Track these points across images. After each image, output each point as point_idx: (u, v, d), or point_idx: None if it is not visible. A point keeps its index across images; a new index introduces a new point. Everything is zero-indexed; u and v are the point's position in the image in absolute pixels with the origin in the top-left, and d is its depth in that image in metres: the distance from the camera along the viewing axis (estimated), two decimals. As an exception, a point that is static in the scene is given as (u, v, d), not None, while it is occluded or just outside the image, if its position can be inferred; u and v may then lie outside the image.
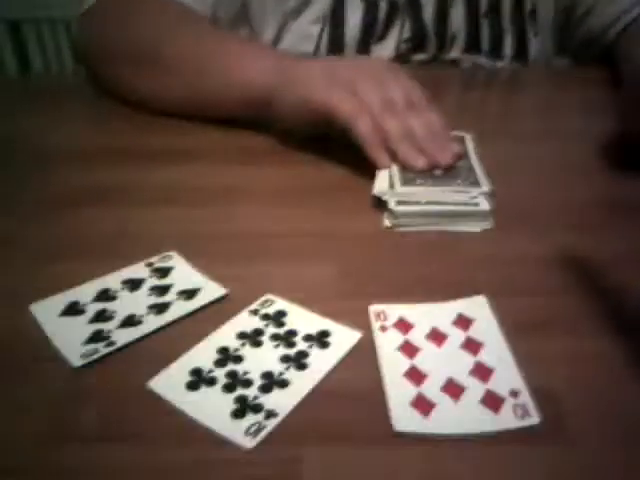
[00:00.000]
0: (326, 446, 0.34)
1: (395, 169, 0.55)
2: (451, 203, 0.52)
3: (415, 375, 0.37)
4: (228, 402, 0.36)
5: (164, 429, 0.35)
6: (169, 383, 0.37)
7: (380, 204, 0.53)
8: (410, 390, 0.36)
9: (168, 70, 0.66)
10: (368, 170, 0.56)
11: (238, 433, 0.34)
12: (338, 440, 0.34)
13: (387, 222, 0.52)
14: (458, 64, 0.83)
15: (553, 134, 0.68)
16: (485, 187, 0.53)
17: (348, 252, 0.49)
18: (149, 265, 0.47)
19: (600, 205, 0.55)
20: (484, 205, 0.51)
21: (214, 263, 0.47)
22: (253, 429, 0.34)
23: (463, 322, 0.41)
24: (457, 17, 0.80)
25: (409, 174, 0.55)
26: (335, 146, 0.61)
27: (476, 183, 0.54)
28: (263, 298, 0.43)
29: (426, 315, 0.42)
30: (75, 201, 0.56)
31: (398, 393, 0.36)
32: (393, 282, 0.46)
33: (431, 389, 0.36)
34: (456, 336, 0.40)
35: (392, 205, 0.51)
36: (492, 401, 0.35)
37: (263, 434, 0.34)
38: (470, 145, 0.60)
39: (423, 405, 0.35)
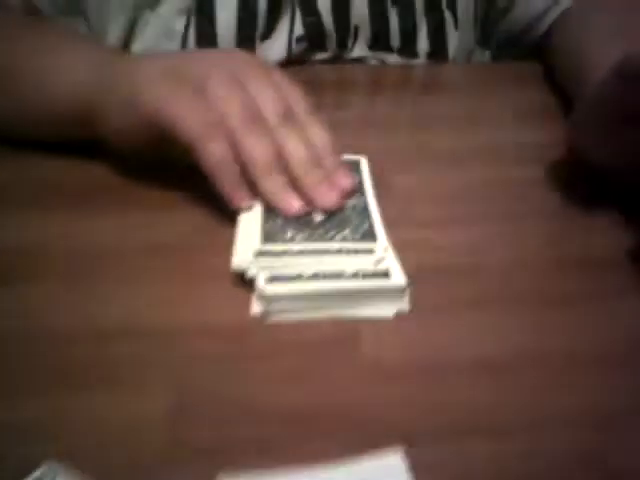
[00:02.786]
0: None
1: (258, 214, 0.39)
2: (347, 275, 0.35)
3: None
4: None
5: None
6: None
7: (246, 279, 0.36)
8: None
9: None
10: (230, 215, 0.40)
11: None
12: None
13: (256, 307, 0.35)
14: (364, 63, 0.66)
15: (481, 153, 0.52)
16: (383, 242, 0.37)
17: (187, 369, 0.31)
18: None
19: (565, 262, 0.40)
20: (397, 275, 0.35)
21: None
22: None
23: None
24: (360, 6, 0.63)
25: (276, 220, 0.38)
26: (191, 178, 0.43)
27: (371, 235, 0.38)
28: (41, 469, 0.25)
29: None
30: None
31: None
32: (255, 423, 0.28)
33: None
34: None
35: (261, 283, 0.34)
36: None
37: None
38: (366, 173, 0.44)
39: None
